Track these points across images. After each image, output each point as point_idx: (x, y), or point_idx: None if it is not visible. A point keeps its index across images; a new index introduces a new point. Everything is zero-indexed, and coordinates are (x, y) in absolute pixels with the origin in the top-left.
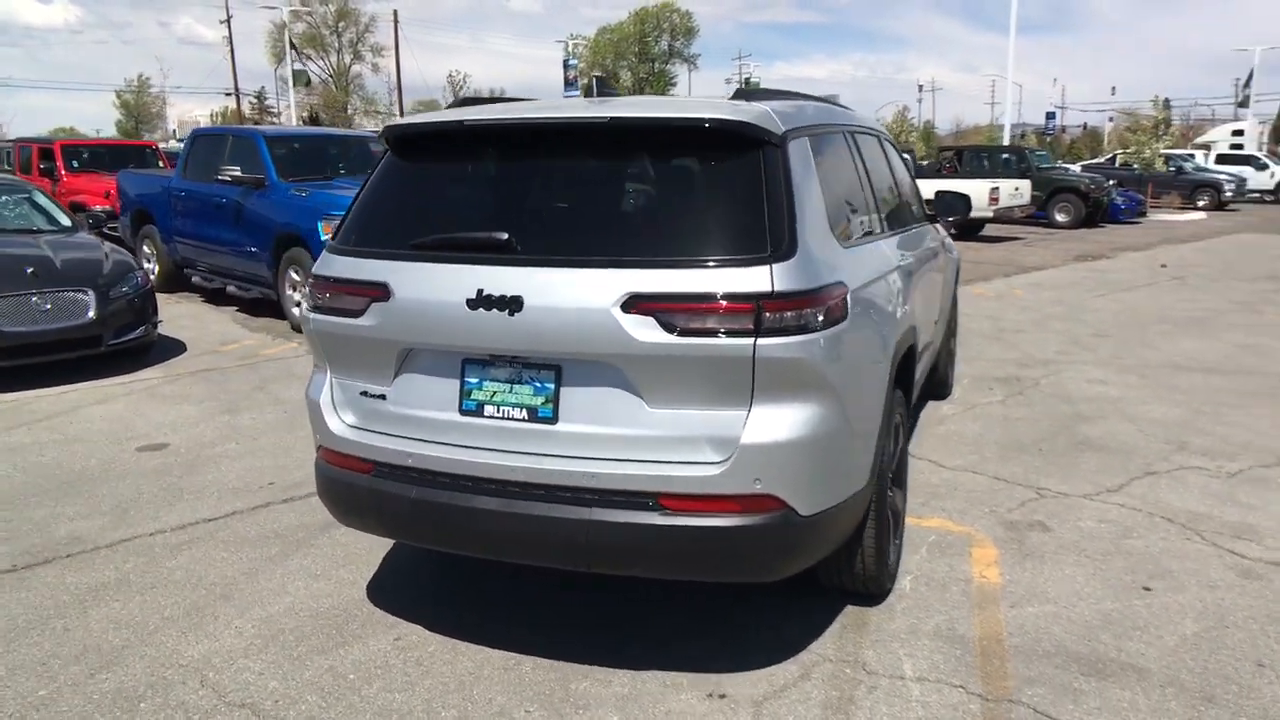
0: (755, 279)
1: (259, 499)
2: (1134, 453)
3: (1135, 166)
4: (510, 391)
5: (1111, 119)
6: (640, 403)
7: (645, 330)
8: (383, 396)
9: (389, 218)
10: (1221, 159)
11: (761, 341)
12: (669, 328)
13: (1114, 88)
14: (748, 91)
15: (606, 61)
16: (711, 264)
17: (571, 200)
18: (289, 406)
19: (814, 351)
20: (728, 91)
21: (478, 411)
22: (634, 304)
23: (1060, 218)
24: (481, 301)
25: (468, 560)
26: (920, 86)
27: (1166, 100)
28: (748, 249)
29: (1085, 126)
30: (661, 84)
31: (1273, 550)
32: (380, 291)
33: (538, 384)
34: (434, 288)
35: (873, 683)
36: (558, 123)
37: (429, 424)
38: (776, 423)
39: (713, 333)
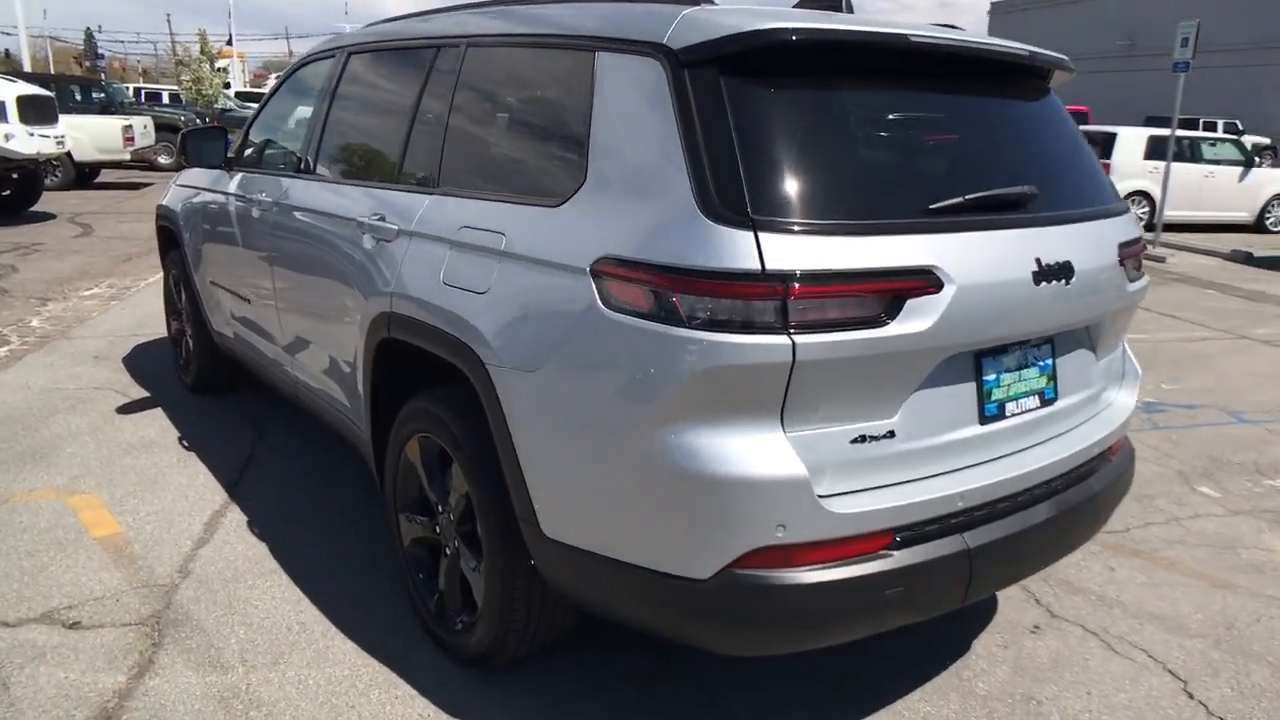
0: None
1: None
2: None
3: (197, 104)
4: (1019, 380)
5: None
6: (1093, 358)
7: (1126, 280)
8: (891, 434)
9: (845, 171)
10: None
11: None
12: (1130, 276)
13: (45, 10)
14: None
15: None
16: (1124, 210)
17: (1025, 143)
18: None
19: None
20: None
21: (999, 414)
22: (1120, 253)
23: (164, 160)
24: (1045, 273)
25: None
26: None
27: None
28: (1117, 194)
29: (7, 54)
30: None
31: None
32: (924, 282)
33: (1041, 364)
34: (996, 265)
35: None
36: (989, 52)
37: (950, 449)
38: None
39: (1142, 274)
